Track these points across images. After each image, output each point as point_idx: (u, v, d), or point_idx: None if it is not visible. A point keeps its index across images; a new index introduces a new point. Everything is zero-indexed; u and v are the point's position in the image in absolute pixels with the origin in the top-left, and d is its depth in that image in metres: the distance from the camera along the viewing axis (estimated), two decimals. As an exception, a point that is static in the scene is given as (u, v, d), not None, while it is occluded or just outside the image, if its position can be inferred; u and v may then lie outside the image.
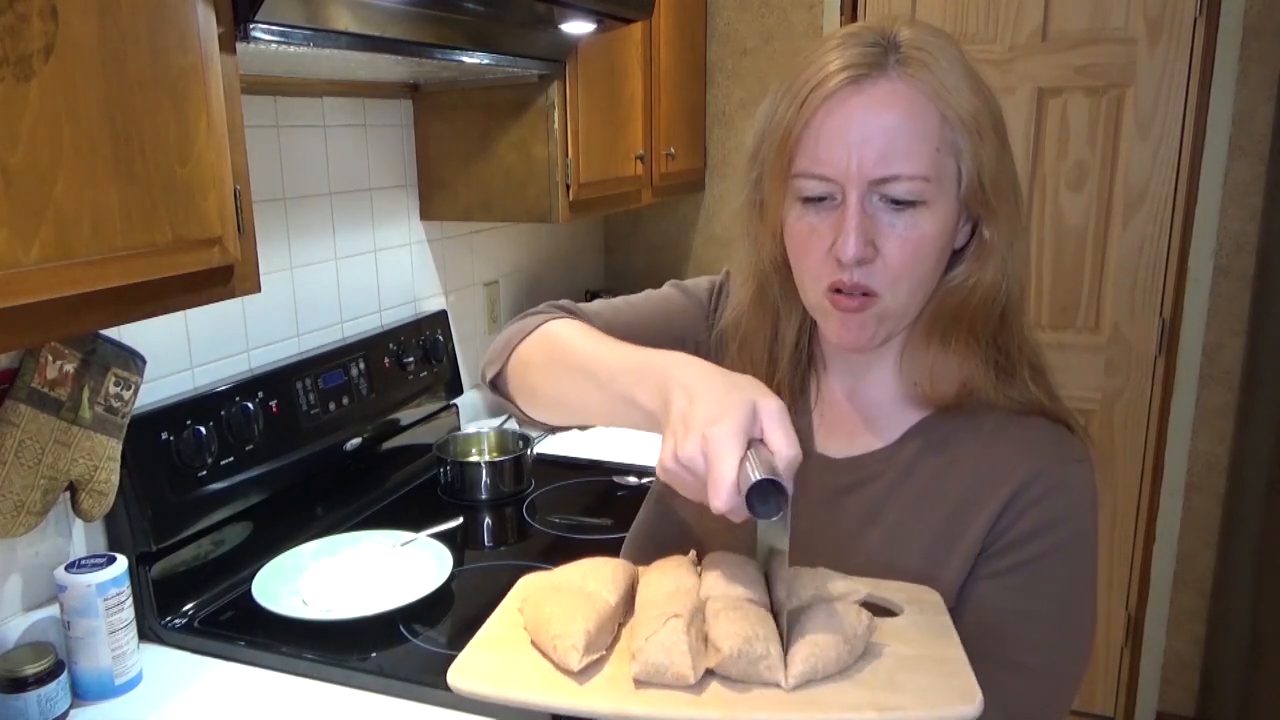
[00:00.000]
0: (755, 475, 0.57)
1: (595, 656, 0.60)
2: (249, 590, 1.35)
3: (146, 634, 1.31)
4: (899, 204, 0.72)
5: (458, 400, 2.04)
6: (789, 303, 0.84)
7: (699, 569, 0.70)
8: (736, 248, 0.88)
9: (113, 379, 1.20)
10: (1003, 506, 0.75)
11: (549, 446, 2.04)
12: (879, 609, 0.68)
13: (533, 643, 0.63)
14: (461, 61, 1.50)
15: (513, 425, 2.02)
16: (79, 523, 1.29)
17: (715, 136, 2.67)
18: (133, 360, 1.23)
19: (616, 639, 0.64)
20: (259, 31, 1.07)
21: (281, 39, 1.11)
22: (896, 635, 0.63)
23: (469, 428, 2.04)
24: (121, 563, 1.21)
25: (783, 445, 0.61)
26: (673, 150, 2.34)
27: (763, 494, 0.58)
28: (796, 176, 0.74)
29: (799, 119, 0.73)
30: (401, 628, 1.30)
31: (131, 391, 1.23)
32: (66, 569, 1.18)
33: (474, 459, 1.90)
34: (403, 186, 1.93)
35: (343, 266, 1.78)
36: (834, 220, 0.73)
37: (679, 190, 2.52)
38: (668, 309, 0.95)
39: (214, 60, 0.96)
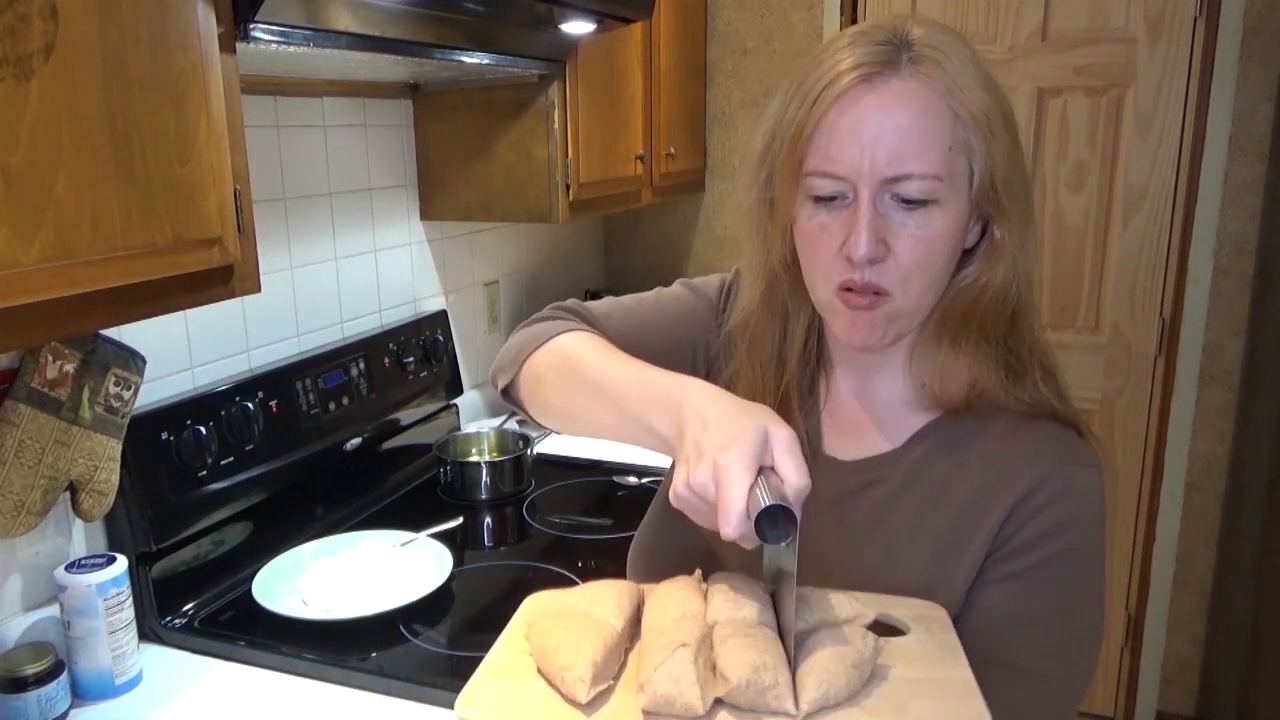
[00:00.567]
0: (765, 501, 0.58)
1: (603, 687, 0.60)
2: (249, 590, 1.35)
3: (146, 634, 1.31)
4: (911, 203, 0.72)
5: (458, 400, 2.04)
6: (798, 302, 0.84)
7: (705, 589, 0.70)
8: (739, 248, 0.88)
9: (113, 379, 1.20)
10: (1010, 511, 0.75)
11: (549, 446, 2.04)
12: (886, 627, 0.68)
13: (539, 671, 0.62)
14: (461, 61, 1.50)
15: (513, 425, 2.02)
16: (79, 523, 1.29)
17: (715, 136, 2.67)
18: (133, 360, 1.23)
19: (624, 665, 0.63)
20: (259, 31, 1.07)
21: (281, 39, 1.11)
22: (904, 656, 0.63)
23: (469, 428, 2.04)
24: (121, 563, 1.21)
25: (792, 474, 0.61)
26: (673, 150, 2.34)
27: (772, 519, 0.58)
28: (808, 175, 0.74)
29: (811, 117, 0.73)
30: (401, 628, 1.30)
31: (131, 391, 1.23)
32: (66, 569, 1.18)
33: (474, 459, 1.90)
34: (403, 186, 1.93)
35: (343, 266, 1.78)
36: (845, 219, 0.73)
37: (679, 190, 2.52)
38: (678, 309, 0.94)
39: (214, 60, 0.96)
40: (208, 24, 0.95)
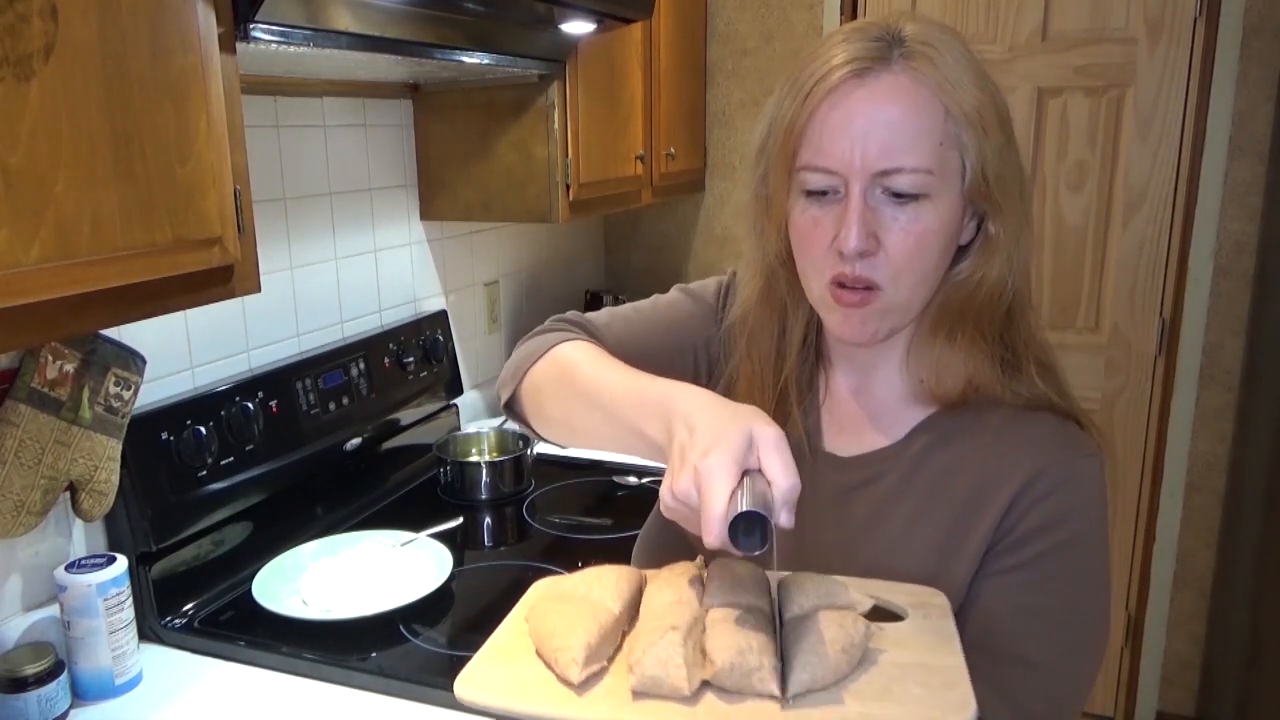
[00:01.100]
0: (741, 507, 0.57)
1: (596, 668, 0.60)
2: (249, 590, 1.35)
3: (146, 634, 1.31)
4: (901, 197, 0.72)
5: (458, 400, 2.04)
6: (796, 298, 0.84)
7: (704, 574, 0.71)
8: (739, 247, 0.88)
9: (113, 379, 1.20)
10: (1010, 503, 0.75)
11: (549, 447, 2.03)
12: (884, 613, 0.68)
13: (537, 652, 0.63)
14: (461, 61, 1.50)
15: (513, 425, 2.02)
16: (79, 523, 1.29)
17: (715, 136, 2.67)
18: (133, 360, 1.23)
19: (620, 648, 0.64)
20: (259, 31, 1.07)
21: (281, 39, 1.11)
22: (897, 642, 0.63)
23: (469, 428, 2.04)
24: (121, 563, 1.21)
25: (779, 474, 0.60)
26: (673, 150, 2.34)
27: (747, 526, 0.57)
28: (801, 169, 0.75)
29: (803, 112, 0.74)
30: (401, 628, 1.30)
31: (131, 391, 1.23)
32: (66, 569, 1.18)
33: (474, 459, 1.90)
34: (403, 186, 1.93)
35: (343, 266, 1.78)
36: (837, 213, 0.73)
37: (679, 190, 2.52)
38: (675, 316, 0.95)
39: (214, 60, 0.96)
40: (208, 24, 0.95)
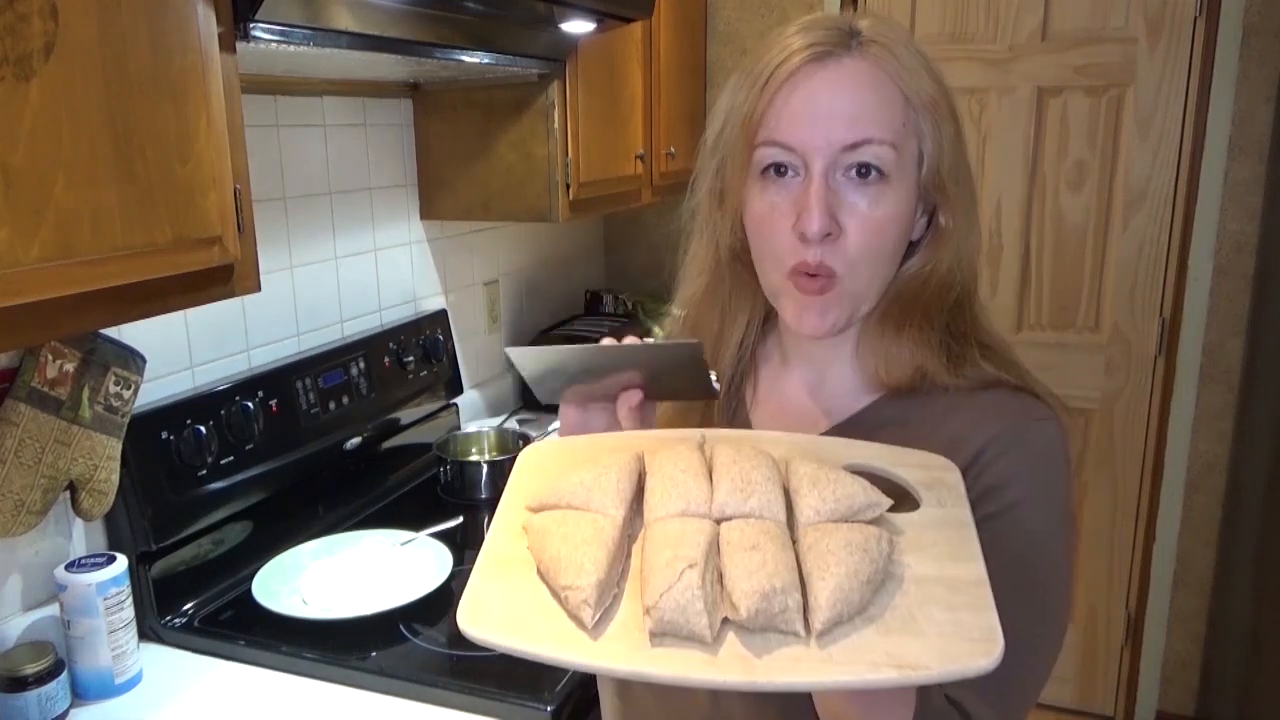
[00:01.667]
0: None
1: (608, 603, 0.58)
2: (249, 590, 1.36)
3: (146, 633, 1.31)
4: (863, 178, 0.73)
5: (458, 399, 2.04)
6: (739, 299, 0.85)
7: (709, 455, 0.68)
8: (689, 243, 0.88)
9: (113, 378, 1.20)
10: (964, 469, 0.74)
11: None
12: (897, 489, 0.66)
13: (540, 576, 0.61)
14: (461, 61, 1.49)
15: (513, 425, 2.02)
16: (79, 522, 1.29)
17: (715, 136, 2.67)
18: (133, 359, 1.23)
19: (628, 565, 0.62)
20: (259, 31, 1.07)
21: (281, 38, 1.11)
22: (916, 545, 0.61)
23: (469, 427, 2.03)
24: (121, 562, 1.21)
25: None
26: (673, 150, 2.34)
27: None
28: (760, 146, 0.75)
29: (762, 98, 0.74)
30: (401, 627, 1.31)
31: (131, 391, 1.23)
32: (66, 568, 1.18)
33: (474, 458, 1.90)
34: (403, 186, 1.93)
35: (343, 266, 1.78)
36: (796, 196, 0.74)
37: (679, 190, 2.50)
38: None
39: (214, 60, 0.96)
40: (208, 24, 0.95)
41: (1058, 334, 2.48)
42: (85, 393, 1.18)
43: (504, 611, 0.59)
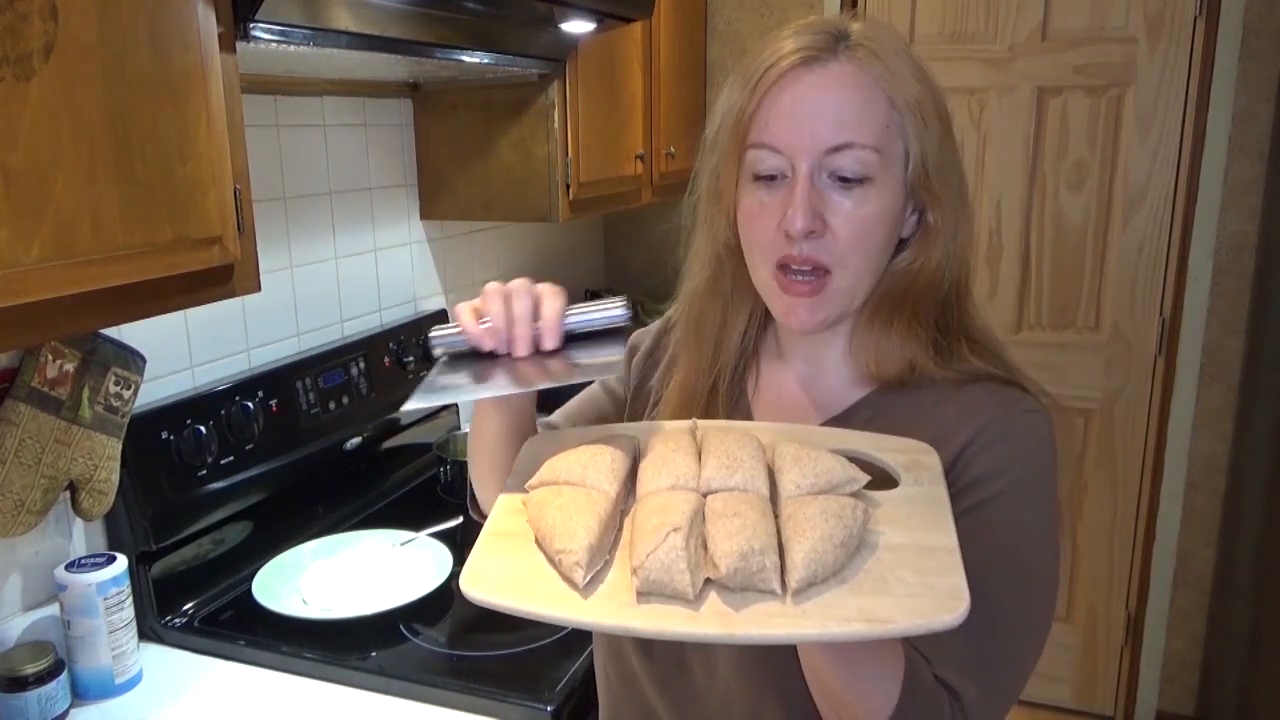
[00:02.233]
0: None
1: (599, 566, 0.62)
2: (249, 590, 1.35)
3: (146, 633, 1.31)
4: (848, 181, 0.75)
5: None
6: (740, 292, 0.87)
7: (699, 436, 0.71)
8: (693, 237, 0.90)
9: (113, 378, 1.20)
10: (954, 458, 0.76)
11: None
12: (877, 470, 0.69)
13: (538, 544, 0.64)
14: (461, 61, 1.49)
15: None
16: (79, 522, 1.29)
17: (715, 136, 2.67)
18: (133, 359, 1.23)
19: (620, 530, 0.66)
20: (259, 31, 1.07)
21: (281, 38, 1.11)
22: (891, 518, 0.64)
23: (469, 427, 2.03)
24: (121, 562, 1.21)
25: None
26: (673, 150, 2.34)
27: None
28: (750, 148, 0.77)
29: (753, 98, 0.77)
30: (401, 627, 1.31)
31: (131, 391, 1.23)
32: (66, 568, 1.18)
33: (474, 458, 1.90)
34: (403, 186, 1.93)
35: (343, 266, 1.78)
36: (784, 196, 0.76)
37: (679, 190, 2.50)
38: (587, 407, 1.01)
39: (214, 60, 0.96)
40: (208, 23, 0.95)
41: (1057, 334, 2.48)
42: (85, 393, 1.18)
43: (502, 576, 0.63)
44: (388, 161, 1.88)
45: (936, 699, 0.70)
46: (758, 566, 0.58)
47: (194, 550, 1.39)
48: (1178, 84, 2.27)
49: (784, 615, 0.57)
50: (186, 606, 1.36)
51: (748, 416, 0.89)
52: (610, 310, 0.75)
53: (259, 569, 1.40)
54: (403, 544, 1.49)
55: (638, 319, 2.57)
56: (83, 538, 1.30)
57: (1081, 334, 2.47)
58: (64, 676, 1.15)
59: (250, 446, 1.46)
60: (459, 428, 2.03)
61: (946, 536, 0.63)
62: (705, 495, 0.66)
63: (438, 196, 1.95)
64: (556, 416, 1.02)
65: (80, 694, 1.19)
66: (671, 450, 0.70)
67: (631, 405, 0.98)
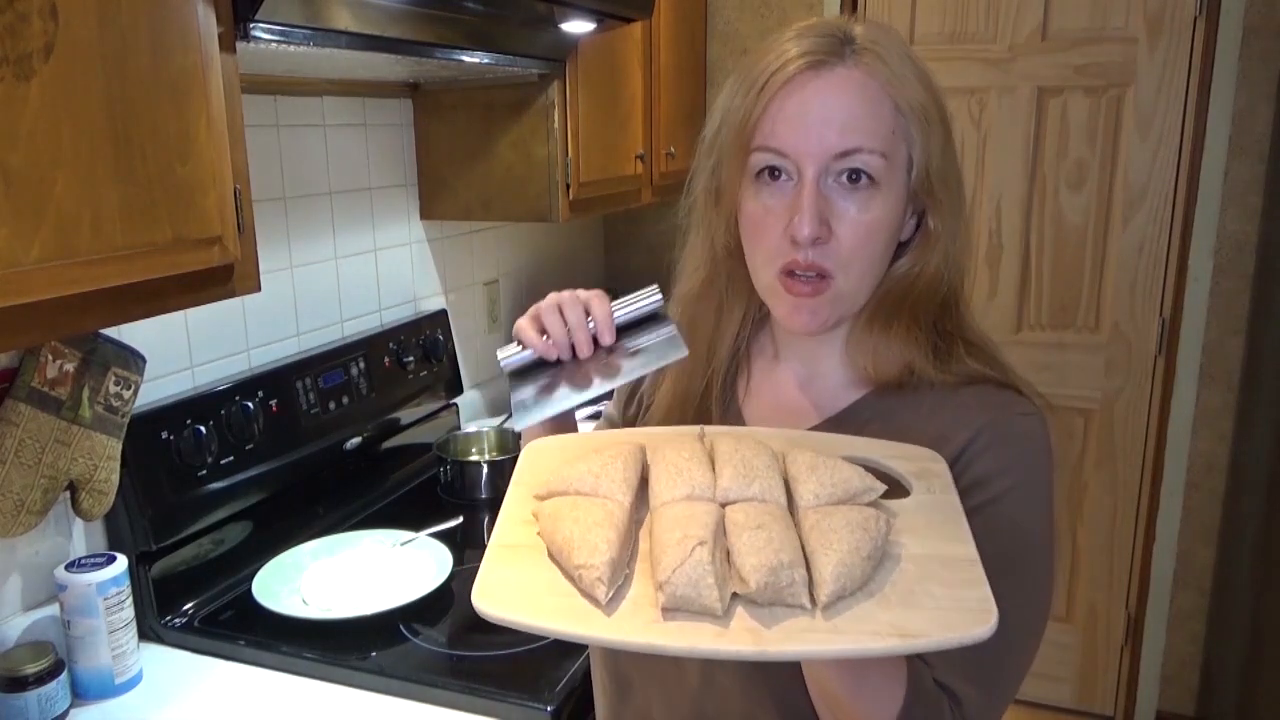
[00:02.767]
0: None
1: (620, 581, 0.60)
2: (249, 590, 1.35)
3: (146, 633, 1.31)
4: (854, 185, 0.75)
5: (458, 399, 2.04)
6: (734, 295, 0.87)
7: (709, 445, 0.70)
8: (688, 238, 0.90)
9: (113, 378, 1.20)
10: (951, 462, 0.76)
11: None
12: (888, 478, 0.68)
13: (551, 558, 0.63)
14: (462, 61, 1.49)
15: (513, 424, 2.01)
16: (79, 522, 1.29)
17: (715, 136, 2.67)
18: (133, 359, 1.23)
19: (637, 547, 0.64)
20: (259, 31, 1.07)
21: (281, 38, 1.11)
22: (909, 528, 0.64)
23: (469, 427, 2.03)
24: (121, 562, 1.21)
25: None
26: (673, 150, 2.34)
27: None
28: (755, 152, 0.77)
29: (759, 103, 0.76)
30: (401, 627, 1.31)
31: (131, 391, 1.23)
32: (66, 568, 1.18)
33: (474, 458, 1.90)
34: (403, 186, 1.93)
35: (343, 266, 1.78)
36: (789, 201, 0.76)
37: (678, 190, 2.50)
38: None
39: (214, 60, 0.96)
40: (208, 23, 0.95)
41: (1057, 334, 2.48)
42: (85, 393, 1.18)
43: (517, 592, 0.61)
44: (388, 161, 1.88)
45: (937, 704, 0.70)
46: (787, 581, 0.57)
47: (194, 550, 1.39)
48: (1178, 84, 2.27)
49: (816, 631, 0.56)
50: (186, 606, 1.36)
51: (739, 419, 0.89)
52: (647, 298, 0.82)
53: (259, 569, 1.40)
54: (403, 544, 1.49)
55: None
56: (83, 538, 1.30)
57: (1081, 334, 2.47)
58: (64, 676, 1.15)
59: (250, 446, 1.46)
60: (459, 428, 2.03)
61: (966, 546, 0.62)
62: (723, 506, 0.64)
63: (438, 196, 1.95)
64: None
65: (80, 694, 1.19)
66: (685, 459, 0.68)
67: (628, 420, 0.98)
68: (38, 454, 1.14)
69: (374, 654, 1.25)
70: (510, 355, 0.84)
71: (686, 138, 2.48)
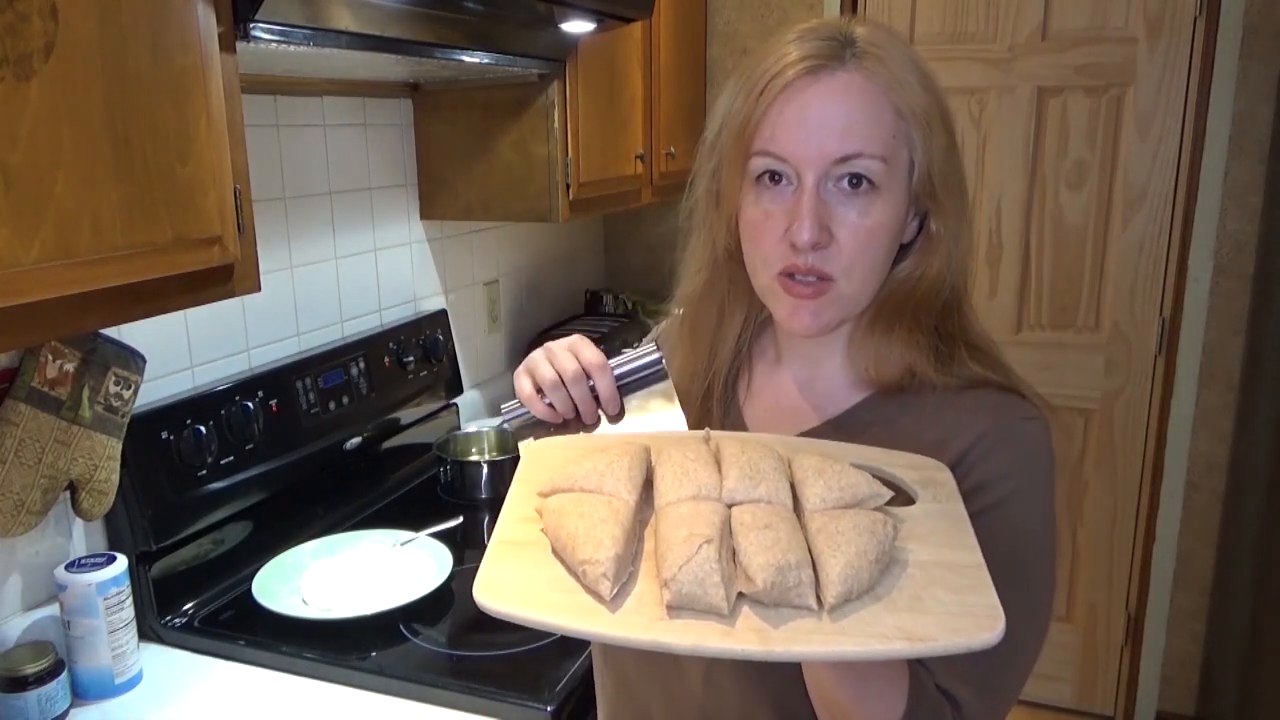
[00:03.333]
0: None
1: (624, 579, 0.60)
2: (249, 590, 1.35)
3: (146, 633, 1.31)
4: (854, 190, 0.74)
5: (458, 399, 2.04)
6: (736, 296, 0.87)
7: (715, 449, 0.70)
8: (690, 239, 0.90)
9: (113, 378, 1.20)
10: (953, 466, 0.76)
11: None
12: (892, 486, 0.68)
13: (555, 554, 0.62)
14: (461, 61, 1.49)
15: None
16: (79, 522, 1.29)
17: (715, 136, 2.67)
18: (133, 359, 1.23)
19: (642, 546, 0.63)
20: (259, 31, 1.07)
21: (281, 38, 1.11)
22: (915, 535, 0.63)
23: (469, 427, 2.03)
24: (121, 562, 1.21)
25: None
26: (673, 150, 2.34)
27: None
28: (754, 156, 0.77)
29: (758, 107, 0.76)
30: (401, 627, 1.31)
31: (131, 391, 1.23)
32: (66, 568, 1.18)
33: (474, 458, 1.90)
34: (403, 186, 1.93)
35: (343, 266, 1.78)
36: (789, 206, 0.76)
37: (679, 190, 2.49)
38: None
39: (214, 59, 0.96)
40: (208, 23, 0.95)
41: (1058, 334, 2.48)
42: (85, 393, 1.18)
43: (520, 587, 0.60)
44: (388, 161, 1.88)
45: (939, 709, 0.70)
46: (794, 581, 0.57)
47: (194, 550, 1.39)
48: (1178, 84, 2.27)
49: (822, 632, 0.56)
50: (186, 606, 1.36)
51: (740, 420, 0.89)
52: (647, 360, 0.83)
53: (259, 569, 1.40)
54: (403, 544, 1.49)
55: (636, 319, 2.57)
56: (83, 538, 1.30)
57: (1081, 334, 2.47)
58: (64, 676, 1.15)
59: (250, 446, 1.46)
60: (459, 428, 2.03)
61: (972, 554, 0.62)
62: (729, 507, 0.64)
63: (438, 196, 1.95)
64: None
65: (80, 694, 1.19)
66: (690, 460, 0.68)
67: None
68: (38, 454, 1.14)
69: (374, 654, 1.25)
70: (514, 412, 0.86)
71: (686, 138, 2.48)
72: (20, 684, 1.10)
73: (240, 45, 1.04)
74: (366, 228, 1.84)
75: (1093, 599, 2.58)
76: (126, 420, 1.23)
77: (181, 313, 1.41)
